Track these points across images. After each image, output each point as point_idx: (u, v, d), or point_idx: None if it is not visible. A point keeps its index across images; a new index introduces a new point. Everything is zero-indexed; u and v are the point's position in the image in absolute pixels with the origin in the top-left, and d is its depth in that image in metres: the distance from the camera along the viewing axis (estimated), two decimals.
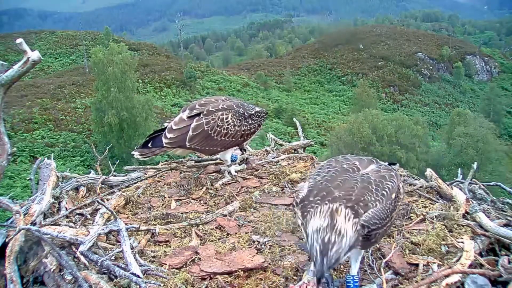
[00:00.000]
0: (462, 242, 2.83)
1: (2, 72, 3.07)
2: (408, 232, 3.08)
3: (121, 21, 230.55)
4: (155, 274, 2.61)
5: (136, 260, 2.69)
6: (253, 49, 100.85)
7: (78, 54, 58.23)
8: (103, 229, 2.95)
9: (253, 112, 4.16)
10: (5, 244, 2.74)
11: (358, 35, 77.32)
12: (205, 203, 3.86)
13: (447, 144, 35.65)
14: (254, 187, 4.09)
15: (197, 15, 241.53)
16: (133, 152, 4.08)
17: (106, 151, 5.05)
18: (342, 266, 2.79)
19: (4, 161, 3.15)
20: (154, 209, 3.78)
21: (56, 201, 3.61)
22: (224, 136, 3.99)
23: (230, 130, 3.99)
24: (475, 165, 4.19)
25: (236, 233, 3.24)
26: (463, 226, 3.07)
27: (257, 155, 5.01)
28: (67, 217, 3.42)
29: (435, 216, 3.24)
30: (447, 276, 2.45)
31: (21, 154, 27.76)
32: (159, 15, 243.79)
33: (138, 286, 2.38)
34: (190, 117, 3.98)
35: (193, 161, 4.75)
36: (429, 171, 4.01)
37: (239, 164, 4.55)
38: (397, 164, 3.02)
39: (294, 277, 2.64)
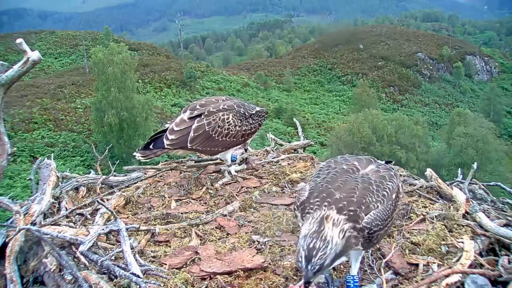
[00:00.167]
0: (462, 242, 2.83)
1: (2, 72, 3.07)
2: (408, 232, 3.08)
3: (121, 21, 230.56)
4: (155, 274, 2.61)
5: (136, 260, 2.69)
6: (253, 49, 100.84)
7: (78, 54, 58.23)
8: (103, 229, 2.95)
9: (253, 112, 4.17)
10: (5, 244, 2.75)
11: (358, 35, 77.32)
12: (205, 203, 3.86)
13: (447, 144, 35.65)
14: (254, 187, 4.09)
15: (197, 15, 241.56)
16: (134, 154, 4.08)
17: (106, 151, 5.05)
18: (342, 266, 2.79)
19: (4, 161, 3.15)
20: (154, 209, 3.78)
21: (56, 201, 3.61)
22: (225, 137, 3.99)
23: (231, 130, 4.00)
24: (475, 165, 4.19)
25: (236, 233, 3.24)
26: (463, 226, 3.07)
27: (257, 155, 5.01)
28: (67, 217, 3.43)
29: (435, 216, 3.24)
30: (447, 276, 2.45)
31: (21, 154, 27.75)
32: (159, 15, 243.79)
33: (138, 286, 2.38)
34: (191, 118, 3.98)
35: (193, 161, 4.75)
36: (429, 171, 4.01)
37: (239, 164, 4.56)
38: (393, 162, 3.03)
39: (294, 277, 2.64)
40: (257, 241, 3.08)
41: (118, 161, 6.67)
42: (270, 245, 3.02)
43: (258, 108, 4.26)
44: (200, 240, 3.17)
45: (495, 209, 3.47)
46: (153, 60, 56.23)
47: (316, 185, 2.41)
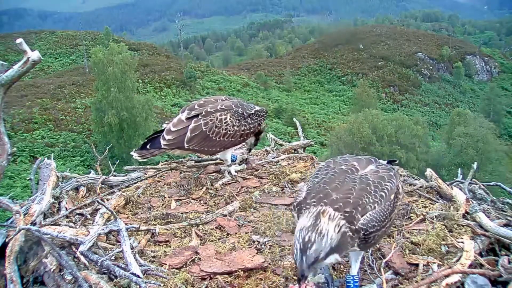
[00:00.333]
0: (462, 242, 2.83)
1: (2, 72, 3.07)
2: (408, 232, 3.08)
3: (121, 21, 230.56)
4: (155, 274, 2.61)
5: (136, 260, 2.69)
6: (253, 49, 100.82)
7: (78, 54, 58.22)
8: (103, 229, 2.95)
9: (252, 112, 4.15)
10: (5, 244, 2.74)
11: (358, 35, 77.31)
12: (205, 203, 3.86)
13: (447, 144, 35.65)
14: (254, 187, 4.09)
15: (197, 15, 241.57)
16: (132, 153, 4.09)
17: (106, 151, 5.05)
18: (342, 266, 2.79)
19: (4, 161, 3.15)
20: (154, 209, 3.78)
21: (56, 201, 3.61)
22: (223, 137, 3.98)
23: (229, 131, 3.99)
24: (475, 165, 4.18)
25: (236, 233, 3.24)
26: (463, 226, 3.07)
27: (257, 155, 5.01)
28: (67, 217, 3.43)
29: (435, 216, 3.24)
30: (447, 276, 2.45)
31: (21, 154, 27.75)
32: (159, 15, 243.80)
33: (138, 286, 2.38)
34: (189, 118, 3.97)
35: (193, 161, 4.75)
36: (429, 171, 4.01)
37: (239, 164, 4.56)
38: (397, 161, 3.02)
39: (294, 277, 2.64)
40: (257, 241, 3.08)
41: (118, 161, 6.67)
42: (270, 245, 3.02)
43: (257, 108, 4.25)
44: (200, 240, 3.17)
45: (495, 209, 3.47)
46: (153, 60, 56.23)
47: (313, 186, 2.41)
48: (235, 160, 4.57)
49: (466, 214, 3.22)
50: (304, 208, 2.27)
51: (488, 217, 3.13)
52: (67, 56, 59.55)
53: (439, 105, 60.99)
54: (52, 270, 2.64)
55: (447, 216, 3.18)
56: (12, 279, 2.54)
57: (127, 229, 2.93)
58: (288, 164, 4.61)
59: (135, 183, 4.37)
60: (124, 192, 4.03)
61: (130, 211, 3.77)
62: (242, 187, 4.11)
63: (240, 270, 2.68)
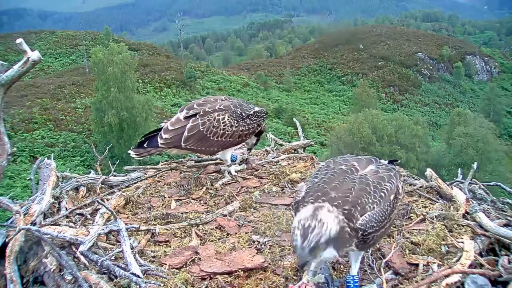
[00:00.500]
0: (462, 242, 2.83)
1: (2, 72, 3.07)
2: (408, 232, 3.08)
3: (121, 21, 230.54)
4: (155, 274, 2.61)
5: (136, 260, 2.69)
6: (253, 49, 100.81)
7: (78, 54, 58.21)
8: (103, 229, 2.95)
9: (251, 112, 4.14)
10: (5, 244, 2.75)
11: (358, 35, 77.29)
12: (205, 203, 3.86)
13: (447, 144, 35.64)
14: (254, 187, 4.09)
15: (197, 15, 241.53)
16: (129, 152, 4.09)
17: (106, 151, 5.05)
18: (342, 266, 2.79)
19: (4, 161, 3.15)
20: (154, 209, 3.78)
21: (56, 201, 3.61)
22: (221, 137, 3.98)
23: (227, 131, 3.98)
24: (475, 165, 4.19)
25: (236, 233, 3.24)
26: (463, 226, 3.08)
27: (257, 155, 5.01)
28: (67, 217, 3.43)
29: (435, 216, 3.24)
30: (447, 276, 2.45)
31: (21, 154, 27.74)
32: (159, 15, 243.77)
33: (138, 286, 2.38)
34: (187, 118, 3.97)
35: (193, 161, 4.75)
36: (429, 171, 4.01)
37: (239, 164, 4.56)
38: (399, 161, 3.01)
39: (294, 277, 2.64)
40: (257, 241, 3.08)
41: (118, 161, 6.67)
42: (270, 245, 3.02)
43: (256, 109, 4.24)
44: (200, 240, 3.17)
45: (495, 209, 3.48)
46: (153, 60, 56.22)
47: (313, 185, 2.41)
48: (235, 160, 4.57)
49: (466, 214, 3.22)
50: (302, 206, 2.27)
51: (488, 217, 3.13)
52: (67, 56, 59.54)
53: (439, 105, 60.98)
54: (52, 270, 2.64)
55: (447, 216, 3.18)
56: (12, 279, 2.54)
57: (127, 229, 2.93)
58: (288, 164, 4.61)
59: (135, 183, 4.37)
60: (124, 192, 4.03)
61: (130, 211, 3.77)
62: (242, 187, 4.11)
63: (240, 270, 2.68)
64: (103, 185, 4.18)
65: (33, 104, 35.96)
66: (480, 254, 2.76)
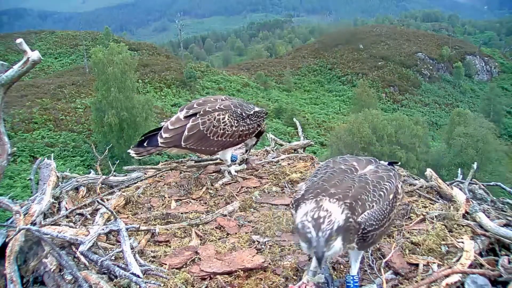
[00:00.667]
0: (462, 242, 2.83)
1: (2, 72, 3.07)
2: (408, 232, 3.09)
3: (121, 21, 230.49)
4: (155, 274, 2.61)
5: (136, 260, 2.69)
6: (253, 49, 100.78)
7: (78, 54, 58.20)
8: (103, 229, 2.95)
9: (251, 112, 4.14)
10: (5, 244, 2.75)
11: (358, 35, 77.28)
12: (205, 203, 3.86)
13: (447, 144, 35.63)
14: (254, 187, 4.09)
15: (197, 15, 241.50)
16: (129, 151, 4.09)
17: (106, 151, 5.05)
18: (342, 266, 2.79)
19: (4, 161, 3.15)
20: (154, 209, 3.78)
21: (56, 201, 3.61)
22: (220, 137, 3.98)
23: (227, 131, 3.98)
24: (475, 165, 4.19)
25: (236, 233, 3.24)
26: (463, 226, 3.08)
27: (257, 155, 5.01)
28: (67, 217, 3.43)
29: (435, 216, 3.24)
30: (447, 276, 2.45)
31: (21, 154, 27.73)
32: (159, 15, 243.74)
33: (138, 286, 2.38)
34: (187, 117, 3.97)
35: (193, 161, 4.75)
36: (429, 171, 4.01)
37: (239, 164, 4.55)
38: (399, 163, 3.01)
39: (294, 277, 2.64)
40: (257, 241, 3.08)
41: (118, 161, 6.67)
42: (270, 245, 3.02)
43: (256, 109, 4.24)
44: (200, 240, 3.17)
45: (495, 209, 3.48)
46: (153, 60, 56.21)
47: (312, 184, 2.41)
48: (235, 160, 4.57)
49: (466, 214, 3.22)
50: (302, 203, 2.27)
51: (488, 217, 3.14)
52: (67, 56, 59.52)
53: (439, 105, 60.97)
54: (52, 270, 2.64)
55: (447, 216, 3.18)
56: (12, 279, 2.54)
57: (127, 229, 2.93)
58: (288, 164, 4.61)
59: (135, 183, 4.38)
60: (124, 192, 4.03)
61: (130, 211, 3.77)
62: (242, 187, 4.11)
63: (240, 270, 2.68)
64: (103, 185, 4.18)
65: (33, 104, 35.95)
66: (480, 254, 2.76)
